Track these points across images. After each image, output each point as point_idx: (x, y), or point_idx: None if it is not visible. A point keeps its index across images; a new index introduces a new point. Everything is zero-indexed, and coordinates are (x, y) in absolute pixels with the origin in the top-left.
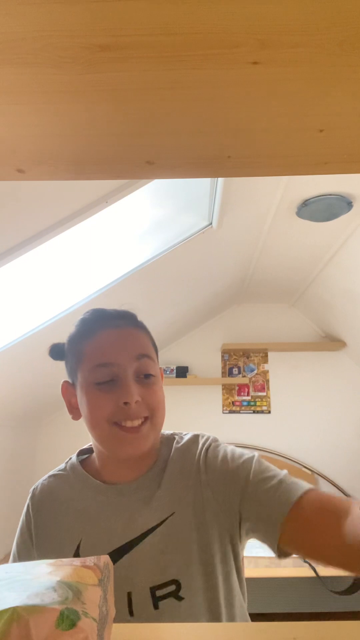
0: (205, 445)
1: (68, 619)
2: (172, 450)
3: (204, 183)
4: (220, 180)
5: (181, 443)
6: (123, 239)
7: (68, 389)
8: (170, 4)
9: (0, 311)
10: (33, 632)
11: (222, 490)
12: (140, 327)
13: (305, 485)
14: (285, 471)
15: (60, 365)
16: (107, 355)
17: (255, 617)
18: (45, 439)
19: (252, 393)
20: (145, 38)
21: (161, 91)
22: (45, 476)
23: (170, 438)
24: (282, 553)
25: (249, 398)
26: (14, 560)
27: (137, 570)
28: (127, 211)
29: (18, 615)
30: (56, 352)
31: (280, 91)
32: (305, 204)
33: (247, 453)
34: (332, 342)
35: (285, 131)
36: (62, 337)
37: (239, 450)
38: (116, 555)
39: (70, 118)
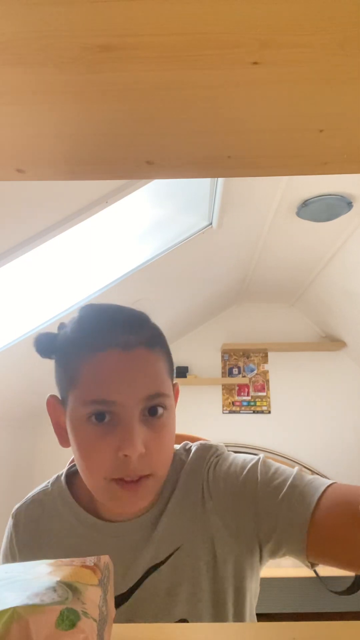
0: (209, 465)
1: (68, 619)
2: (180, 475)
3: (204, 183)
4: (220, 180)
5: (187, 464)
6: (123, 239)
7: (55, 407)
8: (171, 4)
9: (1, 311)
10: (33, 632)
11: (231, 515)
12: (155, 342)
13: (321, 484)
14: (296, 469)
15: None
16: (111, 390)
17: (256, 617)
18: (45, 439)
19: (252, 393)
20: (146, 38)
21: (161, 91)
22: (28, 498)
23: (177, 459)
24: (313, 564)
25: (249, 398)
26: None
27: (141, 615)
28: (127, 211)
29: (18, 615)
30: (44, 347)
31: (280, 91)
32: (305, 204)
33: (250, 459)
34: (332, 342)
35: (285, 131)
36: None
37: (241, 460)
38: (116, 601)
39: (71, 118)
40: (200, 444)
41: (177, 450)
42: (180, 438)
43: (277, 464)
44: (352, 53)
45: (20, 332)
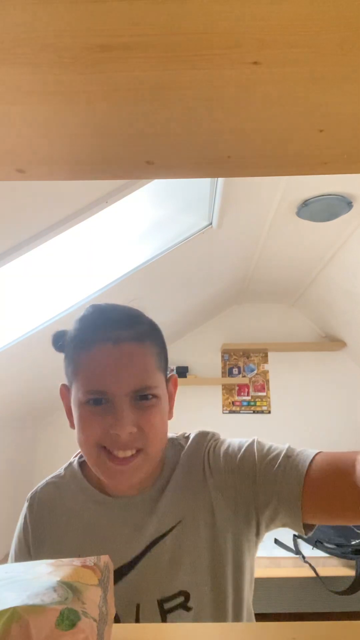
0: (208, 447)
1: (68, 619)
2: (180, 456)
3: (204, 183)
4: (220, 180)
5: (186, 447)
6: (123, 239)
7: (65, 394)
8: (171, 4)
9: (0, 311)
10: (33, 632)
11: (231, 490)
12: (145, 337)
13: (310, 453)
14: (287, 445)
15: (60, 366)
16: (100, 382)
17: (255, 617)
18: (45, 439)
19: (252, 393)
20: (145, 38)
21: (161, 91)
22: (43, 482)
23: (176, 443)
24: (307, 528)
25: (249, 398)
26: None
27: (145, 584)
28: (127, 211)
29: (18, 615)
30: (57, 342)
31: (280, 91)
32: (305, 204)
33: (246, 440)
34: (332, 342)
35: (285, 131)
36: None
37: (237, 442)
38: (123, 570)
39: (71, 118)
40: (199, 430)
41: (176, 437)
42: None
43: (270, 442)
44: (352, 53)
45: (21, 332)
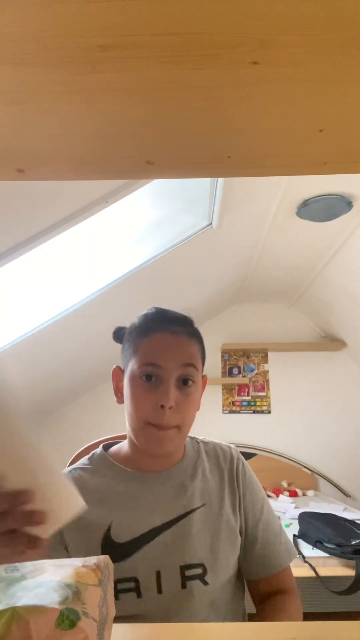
0: (241, 460)
1: (68, 619)
2: (201, 450)
3: (204, 183)
4: (220, 180)
5: (209, 447)
6: (123, 239)
7: (118, 374)
8: (171, 4)
9: (1, 310)
10: (33, 632)
11: (248, 504)
12: (194, 335)
13: (289, 558)
14: (284, 529)
15: (61, 365)
16: (157, 356)
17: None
18: (45, 439)
19: (252, 393)
20: (145, 38)
21: (161, 91)
22: (68, 469)
23: (193, 438)
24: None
25: (249, 398)
26: None
27: (170, 550)
28: (127, 211)
29: (18, 615)
30: (117, 335)
31: (280, 91)
32: (305, 204)
33: (261, 487)
34: (332, 342)
35: (285, 131)
36: (62, 337)
37: (261, 490)
38: (150, 535)
39: (71, 118)
40: (216, 441)
41: (193, 436)
42: None
43: (275, 514)
44: (352, 53)
45: (21, 331)
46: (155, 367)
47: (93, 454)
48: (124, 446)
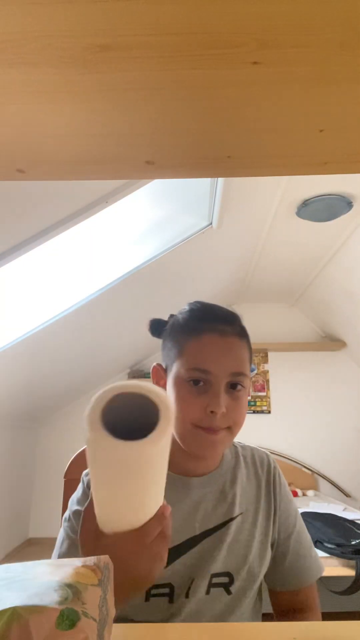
0: (277, 469)
1: (68, 619)
2: (239, 455)
3: (204, 183)
4: (220, 180)
5: (247, 452)
6: (123, 239)
7: (159, 372)
8: (171, 4)
9: (1, 311)
10: (33, 632)
11: (282, 516)
12: (243, 335)
13: (318, 573)
14: (313, 546)
15: (60, 366)
16: (208, 362)
17: None
18: (45, 439)
19: (252, 393)
20: (145, 38)
21: (161, 91)
22: None
23: (232, 444)
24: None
25: (249, 398)
26: (69, 545)
27: (206, 558)
28: (127, 211)
29: (18, 615)
30: (155, 328)
31: (280, 91)
32: (305, 204)
33: (294, 504)
34: (332, 342)
35: (285, 131)
36: (62, 336)
37: (293, 503)
38: (189, 544)
39: (70, 118)
40: (247, 444)
41: None
42: None
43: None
44: (352, 53)
45: (21, 332)
46: (205, 372)
47: None
48: None
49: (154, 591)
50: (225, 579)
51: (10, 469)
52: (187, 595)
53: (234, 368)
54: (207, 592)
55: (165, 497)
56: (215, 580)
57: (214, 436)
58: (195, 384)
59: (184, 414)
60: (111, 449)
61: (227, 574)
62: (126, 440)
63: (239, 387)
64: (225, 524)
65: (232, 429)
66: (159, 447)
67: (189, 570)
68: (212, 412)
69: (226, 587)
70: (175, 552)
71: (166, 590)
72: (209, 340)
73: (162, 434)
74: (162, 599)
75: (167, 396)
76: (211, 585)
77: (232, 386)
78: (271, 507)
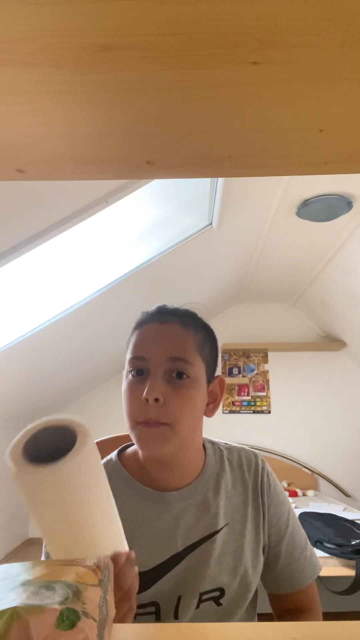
0: (266, 470)
1: (68, 619)
2: (224, 459)
3: (204, 183)
4: (220, 180)
5: (233, 455)
6: (123, 239)
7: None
8: (171, 4)
9: (1, 311)
10: (33, 632)
11: (272, 520)
12: (189, 325)
13: (314, 574)
14: (309, 544)
15: (59, 367)
16: (142, 348)
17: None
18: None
19: (252, 393)
20: (145, 38)
21: (161, 91)
22: None
23: (216, 447)
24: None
25: (249, 398)
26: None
27: (192, 575)
28: (127, 211)
29: (18, 615)
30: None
31: (280, 91)
32: (305, 204)
33: (288, 500)
34: (332, 342)
35: (285, 131)
36: (62, 337)
37: (288, 504)
38: (172, 562)
39: (71, 118)
40: (240, 445)
41: (216, 441)
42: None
43: (300, 525)
44: (352, 53)
45: (20, 332)
46: (143, 360)
47: (108, 461)
48: (136, 453)
49: (139, 610)
50: (216, 593)
51: (9, 469)
52: (176, 616)
53: (172, 353)
54: (197, 607)
55: (141, 514)
56: (205, 596)
57: (150, 429)
58: (137, 375)
59: (128, 409)
60: (30, 474)
61: (218, 589)
62: (45, 465)
63: (184, 376)
64: (209, 536)
65: (173, 425)
66: (75, 467)
67: (174, 588)
68: (146, 400)
69: (216, 600)
70: (157, 573)
71: (152, 609)
72: (148, 328)
73: (76, 453)
74: (149, 618)
75: (85, 422)
76: (201, 601)
77: (178, 375)
78: (260, 513)
